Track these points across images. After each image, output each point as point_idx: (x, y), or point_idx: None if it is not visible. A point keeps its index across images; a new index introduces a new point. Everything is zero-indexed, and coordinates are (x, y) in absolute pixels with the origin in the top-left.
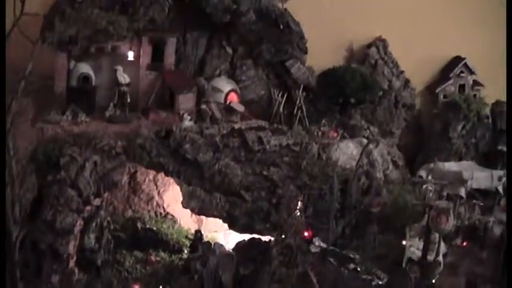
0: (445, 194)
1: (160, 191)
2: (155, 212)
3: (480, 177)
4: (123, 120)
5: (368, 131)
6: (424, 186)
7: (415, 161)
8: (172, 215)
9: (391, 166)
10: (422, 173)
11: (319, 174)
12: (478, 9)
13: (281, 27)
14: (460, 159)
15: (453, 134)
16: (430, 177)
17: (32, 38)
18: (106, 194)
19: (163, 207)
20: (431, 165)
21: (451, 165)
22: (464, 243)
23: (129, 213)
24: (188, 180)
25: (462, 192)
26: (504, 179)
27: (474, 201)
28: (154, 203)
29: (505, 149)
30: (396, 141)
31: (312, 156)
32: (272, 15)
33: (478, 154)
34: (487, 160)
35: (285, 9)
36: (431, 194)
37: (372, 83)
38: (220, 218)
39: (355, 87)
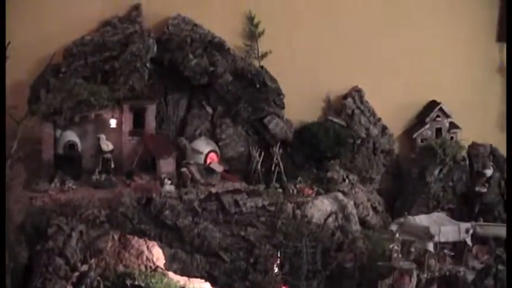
0: (412, 249)
1: (149, 246)
2: (145, 266)
3: (448, 230)
4: (108, 185)
5: (347, 179)
6: (391, 246)
7: (395, 205)
8: (162, 268)
9: (371, 212)
10: (394, 227)
11: (293, 233)
12: (451, 53)
13: (257, 85)
14: (438, 202)
15: (430, 178)
16: (397, 235)
17: (15, 117)
18: (92, 260)
19: (153, 261)
20: (402, 219)
21: (421, 219)
22: None
23: (120, 267)
24: (169, 243)
25: (430, 247)
26: (471, 231)
27: (445, 251)
28: (144, 258)
29: (482, 190)
30: (376, 187)
31: (287, 215)
32: (248, 75)
33: (456, 196)
34: (465, 201)
35: (261, 67)
36: (396, 255)
37: (346, 138)
38: (201, 278)
39: (329, 143)
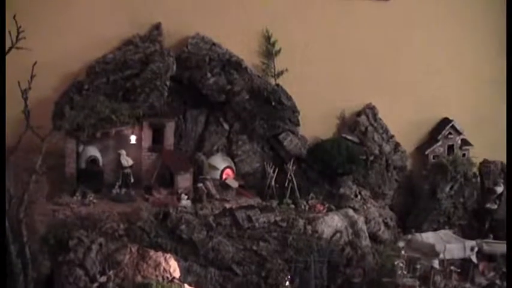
0: (418, 266)
1: (167, 257)
2: (162, 277)
3: (453, 248)
4: (127, 200)
5: (360, 195)
6: (396, 263)
7: (407, 220)
8: (178, 279)
9: (382, 227)
10: (401, 244)
11: (304, 248)
12: (463, 71)
13: (273, 103)
14: (449, 218)
15: (441, 195)
16: (403, 252)
17: (40, 134)
18: (111, 272)
19: (170, 272)
20: (409, 236)
21: (428, 236)
22: None
23: (139, 278)
24: (185, 256)
25: (436, 264)
26: (476, 248)
27: (451, 268)
28: (162, 269)
29: (493, 207)
30: (389, 202)
31: (298, 231)
32: (264, 93)
33: (467, 212)
34: (476, 218)
35: (277, 85)
36: (400, 271)
37: (358, 155)
38: None
39: (341, 160)
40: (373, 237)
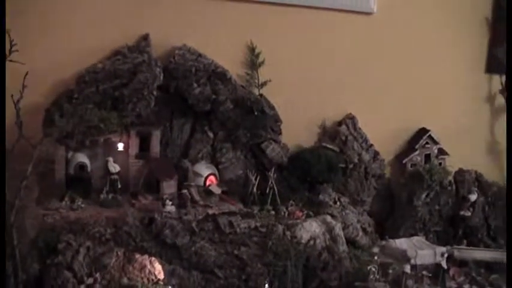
0: (390, 271)
1: (152, 260)
2: (148, 279)
3: (424, 254)
4: (114, 205)
5: (339, 202)
6: (368, 268)
7: (385, 226)
8: (162, 282)
9: (360, 233)
10: (375, 249)
11: (283, 253)
12: (441, 83)
13: (256, 113)
14: (424, 225)
15: (417, 202)
16: (376, 257)
17: (32, 141)
18: (97, 274)
19: (155, 275)
20: (383, 242)
21: (401, 242)
22: None
23: (125, 280)
24: (169, 260)
25: (407, 268)
26: (446, 254)
27: (423, 272)
28: (147, 271)
29: (467, 214)
30: (367, 209)
31: (278, 236)
32: (247, 103)
33: (442, 219)
34: (450, 224)
35: (261, 95)
36: (372, 276)
37: (338, 163)
38: None
39: (320, 168)
40: (352, 243)
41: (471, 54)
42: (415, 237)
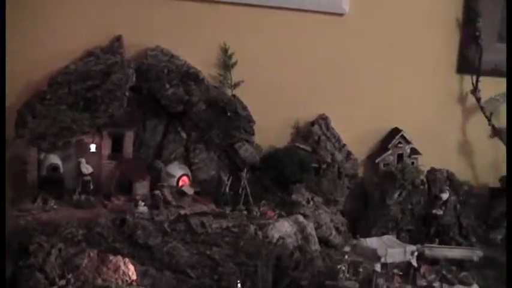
0: (361, 269)
1: (126, 261)
2: (122, 280)
3: (394, 252)
4: (87, 206)
5: (312, 202)
6: (338, 267)
7: (358, 225)
8: (136, 282)
9: (334, 232)
10: (347, 248)
11: (254, 252)
12: (413, 83)
13: (229, 114)
14: (397, 224)
15: (390, 202)
16: (346, 256)
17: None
18: (70, 275)
19: (129, 275)
20: (354, 241)
21: (372, 241)
22: None
23: (99, 281)
24: (141, 261)
25: (377, 267)
26: (416, 253)
27: (394, 271)
28: (121, 272)
29: (438, 212)
30: (340, 208)
31: (249, 236)
32: (220, 104)
33: (414, 218)
34: (423, 223)
35: (234, 96)
36: (341, 275)
37: (310, 163)
38: None
39: (293, 168)
40: (325, 242)
41: (442, 55)
42: (386, 236)
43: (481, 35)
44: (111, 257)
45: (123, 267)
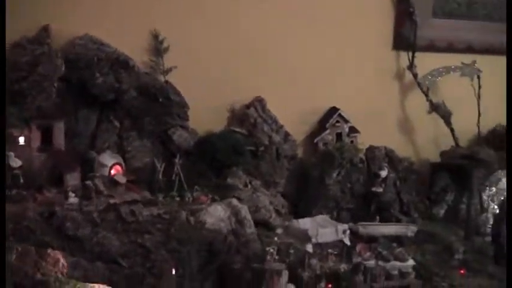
0: (292, 251)
1: (64, 254)
2: (61, 273)
3: (326, 232)
4: (17, 200)
5: (250, 185)
6: (267, 249)
7: (298, 207)
8: (66, 274)
9: (273, 214)
10: (279, 230)
11: (187, 238)
12: (350, 62)
13: (161, 100)
14: (337, 203)
15: (329, 181)
16: (275, 238)
17: None
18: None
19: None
20: (287, 223)
21: (305, 222)
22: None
23: (38, 276)
24: (72, 252)
25: (309, 248)
26: (348, 231)
27: (329, 250)
28: (60, 265)
29: (378, 190)
30: (280, 190)
31: (181, 222)
32: (152, 91)
33: (354, 197)
34: (363, 201)
35: (166, 82)
36: (269, 257)
37: (245, 146)
38: (102, 283)
39: (226, 152)
40: (265, 225)
41: (378, 32)
42: (320, 216)
43: (415, 11)
44: (49, 251)
45: (62, 261)
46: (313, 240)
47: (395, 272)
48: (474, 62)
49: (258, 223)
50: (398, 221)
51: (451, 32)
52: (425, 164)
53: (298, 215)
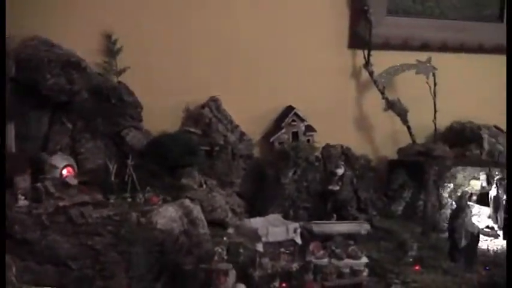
0: (241, 250)
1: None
2: (15, 277)
3: (276, 231)
4: None
5: (205, 185)
6: (215, 249)
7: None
8: (15, 278)
9: (230, 214)
10: (230, 230)
11: (137, 239)
12: (306, 60)
13: (113, 101)
14: (293, 202)
15: (285, 180)
16: (224, 238)
17: None
18: None
19: None
20: (238, 222)
21: (256, 221)
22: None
23: None
24: (21, 256)
25: (260, 247)
26: (299, 230)
27: (281, 249)
28: (13, 270)
29: (335, 188)
30: (237, 189)
31: (132, 224)
32: (104, 92)
33: (311, 195)
34: (320, 200)
35: (119, 82)
36: (216, 257)
37: (199, 146)
38: (52, 286)
39: (179, 152)
40: (221, 224)
41: (333, 31)
42: (271, 215)
43: (370, 9)
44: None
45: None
46: (263, 239)
47: (347, 270)
48: (429, 59)
49: (214, 223)
50: (355, 218)
51: (406, 29)
52: (383, 161)
53: (255, 214)
